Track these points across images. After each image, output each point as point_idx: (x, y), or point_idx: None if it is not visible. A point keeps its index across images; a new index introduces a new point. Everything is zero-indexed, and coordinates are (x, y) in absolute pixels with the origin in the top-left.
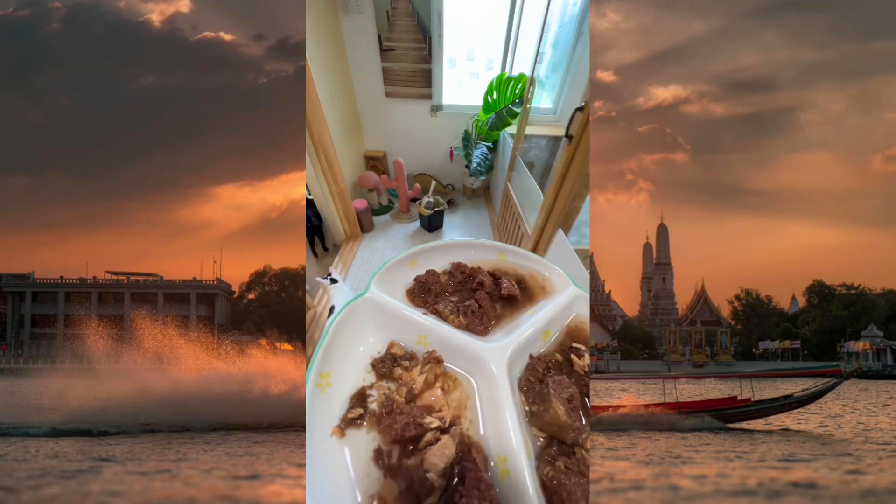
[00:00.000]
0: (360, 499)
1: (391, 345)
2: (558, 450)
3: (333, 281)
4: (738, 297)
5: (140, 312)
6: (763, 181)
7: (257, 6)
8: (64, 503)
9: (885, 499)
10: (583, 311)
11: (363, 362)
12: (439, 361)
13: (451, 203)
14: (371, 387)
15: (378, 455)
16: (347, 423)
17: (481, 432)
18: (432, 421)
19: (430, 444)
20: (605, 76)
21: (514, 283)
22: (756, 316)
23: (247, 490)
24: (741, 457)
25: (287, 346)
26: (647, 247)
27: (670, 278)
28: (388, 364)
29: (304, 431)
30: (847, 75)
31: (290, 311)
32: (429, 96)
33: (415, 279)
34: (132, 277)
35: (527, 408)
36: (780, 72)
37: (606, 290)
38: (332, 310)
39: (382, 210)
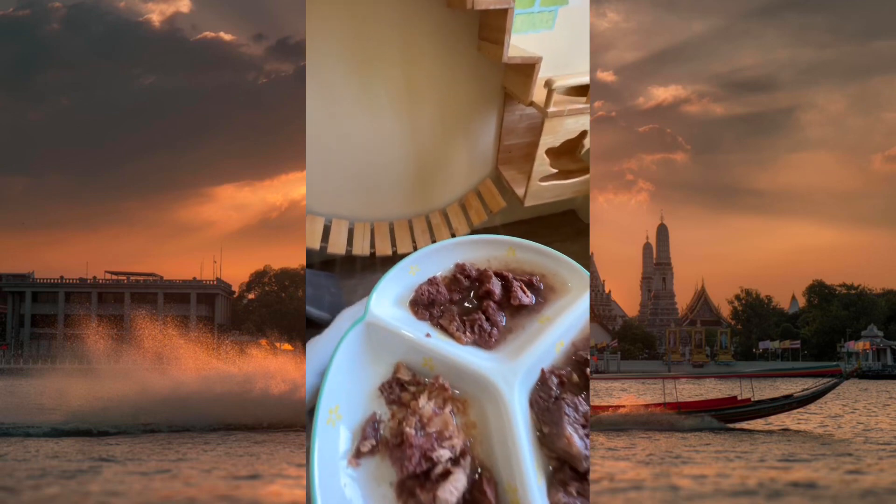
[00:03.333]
0: None
1: (397, 368)
2: (571, 474)
3: None
4: (738, 297)
5: (140, 312)
6: (763, 181)
7: (257, 6)
8: (64, 503)
9: (885, 499)
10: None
11: (372, 389)
12: (445, 388)
13: None
14: (381, 415)
15: (394, 486)
16: (360, 454)
17: (493, 457)
18: (443, 454)
19: (442, 476)
20: (605, 76)
21: (526, 289)
22: (756, 316)
23: (247, 490)
24: (741, 457)
25: (287, 346)
26: (647, 247)
27: (670, 278)
28: (395, 390)
29: (304, 431)
30: (847, 75)
31: (290, 311)
32: None
33: (416, 291)
34: (132, 277)
35: (539, 429)
36: (780, 72)
37: (606, 290)
38: None
39: None
